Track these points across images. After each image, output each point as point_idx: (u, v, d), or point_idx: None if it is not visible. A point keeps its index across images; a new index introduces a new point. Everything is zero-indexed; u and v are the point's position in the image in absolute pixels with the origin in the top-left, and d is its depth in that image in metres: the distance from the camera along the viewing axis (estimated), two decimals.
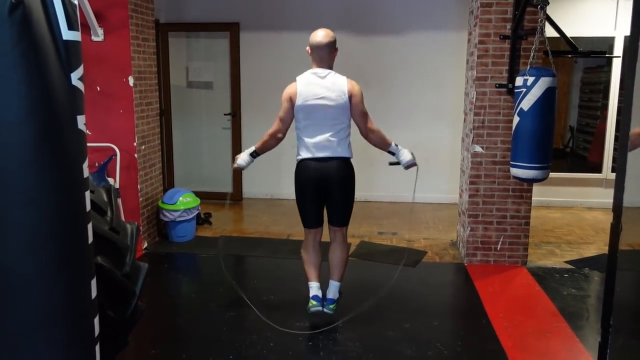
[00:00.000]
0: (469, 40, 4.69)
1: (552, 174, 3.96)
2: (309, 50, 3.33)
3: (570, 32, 4.20)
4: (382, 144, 3.46)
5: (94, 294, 1.59)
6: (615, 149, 6.27)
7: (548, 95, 3.69)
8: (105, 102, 4.57)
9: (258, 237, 5.28)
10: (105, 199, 2.19)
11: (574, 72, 6.72)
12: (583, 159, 6.79)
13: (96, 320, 1.61)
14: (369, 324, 3.50)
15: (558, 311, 3.70)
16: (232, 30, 6.44)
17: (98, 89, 4.56)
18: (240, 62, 6.52)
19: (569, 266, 4.54)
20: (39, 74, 1.37)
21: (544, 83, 3.66)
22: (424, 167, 6.53)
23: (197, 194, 5.30)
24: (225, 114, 6.61)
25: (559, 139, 6.77)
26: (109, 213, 2.13)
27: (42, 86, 1.38)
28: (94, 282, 1.59)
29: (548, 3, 3.82)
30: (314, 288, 3.46)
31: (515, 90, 3.86)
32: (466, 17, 4.86)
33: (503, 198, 4.45)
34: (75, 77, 1.49)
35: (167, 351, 3.17)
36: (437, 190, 6.56)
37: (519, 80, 3.80)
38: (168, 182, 6.52)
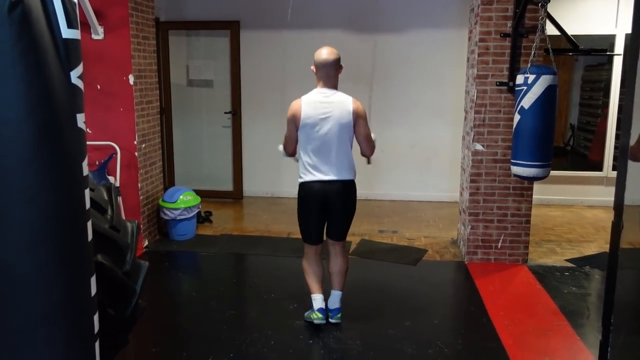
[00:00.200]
0: (469, 38, 4.68)
1: (552, 172, 3.96)
2: (314, 69, 3.29)
3: (571, 30, 4.19)
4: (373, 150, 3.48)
5: (93, 291, 1.59)
6: (616, 148, 6.27)
7: (549, 94, 3.68)
8: (106, 101, 4.57)
9: (258, 236, 5.28)
10: (106, 197, 2.19)
11: (574, 70, 6.71)
12: (584, 157, 6.78)
13: (96, 318, 1.62)
14: (369, 322, 3.50)
15: (559, 309, 3.70)
16: (232, 28, 6.43)
17: (98, 87, 4.56)
18: (241, 60, 6.51)
19: (569, 264, 4.54)
20: (38, 73, 1.37)
21: (544, 81, 3.65)
22: (425, 166, 6.60)
23: (198, 192, 5.30)
24: (225, 113, 6.60)
25: (560, 137, 6.77)
26: (109, 211, 2.13)
27: (41, 84, 1.38)
28: (93, 280, 1.59)
29: (549, 1, 3.81)
30: (318, 300, 3.43)
31: (516, 89, 3.86)
32: (467, 15, 4.85)
33: (504, 196, 4.45)
34: (74, 75, 1.49)
35: (167, 349, 3.18)
36: (438, 188, 6.55)
37: (519, 78, 3.79)
38: (168, 180, 6.52)
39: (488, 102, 4.34)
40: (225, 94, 6.61)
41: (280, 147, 3.47)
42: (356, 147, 3.36)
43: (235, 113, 6.58)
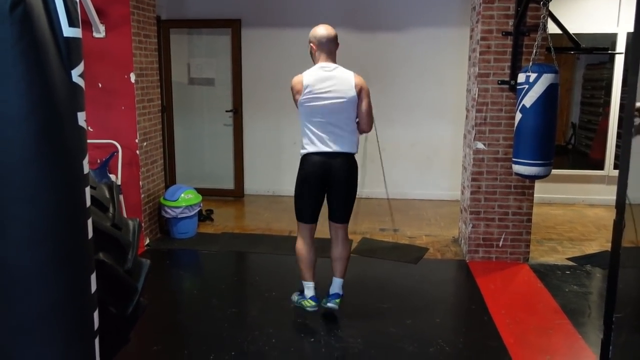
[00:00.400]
0: (471, 37, 4.68)
1: (554, 171, 3.95)
2: (314, 47, 3.30)
3: (572, 29, 4.18)
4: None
5: (93, 288, 1.59)
6: (617, 146, 6.26)
7: (550, 92, 3.67)
8: (107, 99, 4.57)
9: (259, 234, 5.28)
10: (107, 195, 2.19)
11: (576, 68, 6.70)
12: (585, 155, 6.77)
13: (96, 315, 1.62)
14: (370, 320, 3.51)
15: (560, 308, 3.70)
16: (233, 26, 6.43)
17: (100, 85, 4.56)
18: (242, 58, 6.51)
19: (570, 263, 4.54)
20: (39, 72, 1.37)
21: (546, 80, 3.65)
22: (426, 164, 6.59)
23: (199, 190, 5.30)
24: (226, 111, 6.60)
25: (561, 136, 6.76)
26: (111, 209, 2.13)
27: (42, 83, 1.38)
28: (93, 277, 1.59)
29: None
30: (311, 288, 3.45)
31: (518, 87, 3.85)
32: (468, 13, 4.84)
33: (505, 195, 4.44)
34: (75, 73, 1.49)
35: (168, 347, 3.18)
36: (439, 187, 6.55)
37: (521, 77, 3.79)
38: (170, 178, 6.53)
39: (489, 100, 4.34)
40: (226, 92, 6.61)
41: None
42: None
43: (237, 111, 6.58)
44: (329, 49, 3.29)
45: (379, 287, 4.09)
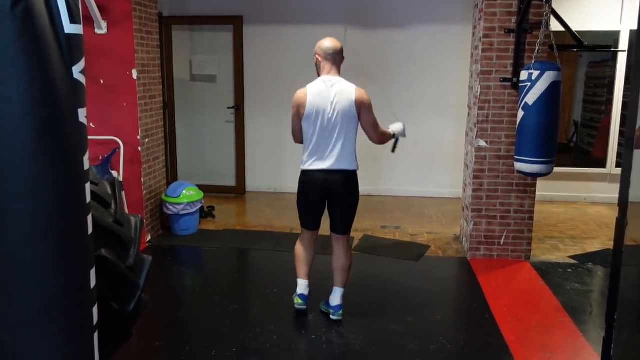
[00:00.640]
0: (473, 34, 4.67)
1: (556, 169, 3.95)
2: (319, 58, 3.29)
3: (575, 26, 4.17)
4: (388, 139, 3.50)
5: (92, 283, 1.60)
6: (620, 144, 6.25)
7: (553, 90, 3.67)
8: (109, 95, 4.57)
9: (261, 231, 5.28)
10: (110, 191, 2.19)
11: (578, 66, 6.69)
12: (587, 153, 6.76)
13: (95, 310, 1.62)
14: (372, 317, 3.51)
15: (561, 306, 3.69)
16: (235, 23, 6.42)
17: (102, 82, 4.56)
18: (244, 55, 6.50)
19: (572, 261, 4.54)
20: (40, 68, 1.37)
21: (549, 77, 3.64)
22: (428, 162, 6.58)
23: (201, 187, 5.31)
24: (228, 108, 6.60)
25: (563, 134, 6.75)
26: (113, 206, 2.14)
27: (43, 80, 1.38)
28: (93, 272, 1.60)
29: None
30: (302, 286, 3.47)
31: (520, 85, 3.84)
32: (471, 10, 4.83)
33: (507, 192, 4.44)
34: (76, 70, 1.50)
35: (170, 343, 3.19)
36: (441, 184, 6.55)
37: (523, 74, 3.78)
38: (171, 175, 6.53)
39: (492, 98, 4.33)
40: (228, 89, 6.60)
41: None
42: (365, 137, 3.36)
43: (238, 108, 6.58)
44: (334, 61, 3.27)
45: (380, 284, 4.09)
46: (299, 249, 3.51)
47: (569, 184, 6.44)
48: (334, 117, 3.20)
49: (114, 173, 4.55)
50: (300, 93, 3.26)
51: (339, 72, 3.31)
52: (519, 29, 4.16)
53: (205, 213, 5.60)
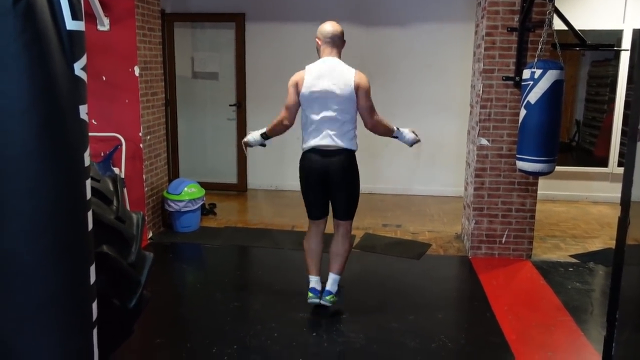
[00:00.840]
0: (476, 32, 4.66)
1: (557, 168, 3.94)
2: (319, 42, 3.32)
3: (578, 25, 4.16)
4: (387, 133, 3.46)
5: (92, 280, 1.60)
6: (622, 144, 6.23)
7: (555, 88, 3.66)
8: (111, 92, 4.57)
9: (262, 228, 5.28)
10: (111, 188, 2.19)
11: (581, 65, 6.67)
12: (589, 152, 6.75)
13: (94, 306, 1.63)
14: (373, 315, 3.51)
15: (562, 305, 3.69)
16: (237, 21, 6.42)
17: (104, 78, 4.56)
18: (246, 53, 6.50)
19: (573, 260, 4.53)
20: (42, 65, 1.37)
21: (551, 76, 3.63)
22: (429, 160, 6.58)
23: (202, 184, 5.31)
24: (230, 105, 6.60)
25: (565, 133, 6.74)
26: (114, 202, 2.14)
27: (45, 76, 1.38)
28: (92, 269, 1.60)
29: None
30: (313, 281, 3.49)
31: (523, 83, 3.84)
32: (473, 8, 4.82)
33: (508, 191, 4.43)
34: (78, 67, 1.49)
35: (171, 340, 3.19)
36: (442, 183, 6.54)
37: (526, 73, 3.77)
38: (173, 172, 6.53)
39: (494, 96, 4.32)
40: (230, 87, 6.60)
41: (249, 136, 3.57)
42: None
43: (240, 105, 6.57)
44: (333, 45, 3.31)
45: (381, 282, 4.09)
46: (306, 243, 3.55)
47: (571, 183, 6.43)
48: (334, 98, 3.22)
49: (116, 170, 4.55)
50: (298, 73, 3.32)
51: (339, 56, 3.33)
52: (522, 28, 4.15)
53: (207, 210, 5.60)
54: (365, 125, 3.38)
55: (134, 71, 4.55)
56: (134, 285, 2.08)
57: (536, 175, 4.01)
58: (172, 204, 4.96)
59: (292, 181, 6.53)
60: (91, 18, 4.31)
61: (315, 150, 3.31)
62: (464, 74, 5.71)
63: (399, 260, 4.53)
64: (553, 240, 5.03)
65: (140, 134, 4.66)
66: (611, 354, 1.89)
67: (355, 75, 3.25)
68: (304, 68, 3.35)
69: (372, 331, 3.30)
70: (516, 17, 4.19)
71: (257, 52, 6.52)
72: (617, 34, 6.05)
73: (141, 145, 4.68)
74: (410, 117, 6.45)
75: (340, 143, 3.28)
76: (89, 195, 1.58)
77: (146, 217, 4.78)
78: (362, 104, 3.28)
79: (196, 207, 5.07)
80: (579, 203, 6.35)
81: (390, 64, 6.37)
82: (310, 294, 3.47)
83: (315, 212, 3.46)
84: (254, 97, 6.60)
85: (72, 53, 1.46)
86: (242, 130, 6.62)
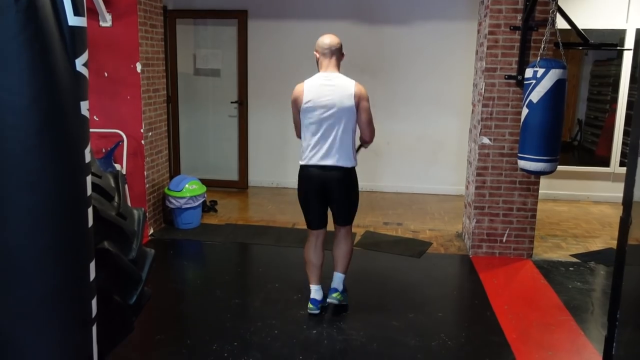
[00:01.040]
0: (478, 31, 4.65)
1: (559, 167, 3.94)
2: (317, 55, 3.30)
3: (581, 24, 4.15)
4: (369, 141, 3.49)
5: (92, 276, 1.60)
6: (624, 144, 6.23)
7: (558, 87, 3.65)
8: (113, 88, 4.57)
9: (263, 226, 5.28)
10: (113, 184, 2.19)
11: (583, 64, 6.66)
12: (591, 152, 6.74)
13: (94, 302, 1.62)
14: (373, 313, 3.51)
15: (563, 304, 3.69)
16: (240, 17, 6.41)
17: (106, 75, 4.56)
18: (248, 50, 6.50)
19: (574, 259, 4.53)
20: (43, 60, 1.37)
21: (554, 75, 3.62)
22: (431, 158, 6.58)
23: (203, 181, 5.31)
24: (232, 102, 6.60)
25: (567, 132, 6.73)
26: (116, 198, 2.14)
27: (46, 72, 1.38)
28: (92, 265, 1.60)
29: None
30: (314, 291, 3.49)
31: (525, 82, 3.83)
32: (476, 7, 4.81)
33: (510, 190, 4.43)
34: (79, 63, 1.49)
35: (172, 337, 3.19)
36: (443, 181, 6.54)
37: (528, 72, 3.77)
38: (174, 169, 6.54)
39: (496, 95, 4.31)
40: (232, 84, 6.60)
41: None
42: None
43: (242, 103, 6.57)
44: (331, 57, 3.27)
45: (381, 280, 4.09)
46: (306, 253, 3.53)
47: (573, 182, 6.43)
48: (331, 111, 3.20)
49: (117, 166, 4.56)
50: (297, 87, 3.29)
51: (337, 68, 3.30)
52: (525, 26, 4.14)
53: (208, 207, 5.61)
54: (364, 137, 3.40)
55: (135, 67, 4.55)
56: (134, 281, 2.08)
57: (538, 174, 4.00)
58: (173, 201, 4.96)
59: (293, 178, 6.52)
60: (93, 14, 4.31)
61: (313, 166, 3.30)
62: (466, 72, 5.70)
63: (400, 258, 4.53)
64: (554, 239, 5.02)
65: (142, 131, 4.66)
66: (612, 354, 1.89)
67: (355, 87, 3.23)
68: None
69: (372, 329, 3.30)
70: (519, 16, 4.18)
71: (259, 49, 6.51)
72: (620, 34, 6.04)
73: (143, 142, 4.68)
74: (412, 115, 6.46)
75: (338, 161, 3.26)
76: (89, 191, 1.58)
77: (147, 214, 4.78)
78: (362, 117, 3.27)
79: (197, 203, 5.07)
80: (580, 203, 6.35)
81: (392, 62, 6.36)
82: (310, 305, 3.47)
83: (315, 223, 3.46)
84: (255, 94, 6.59)
85: (73, 49, 1.46)
86: (243, 128, 6.62)
